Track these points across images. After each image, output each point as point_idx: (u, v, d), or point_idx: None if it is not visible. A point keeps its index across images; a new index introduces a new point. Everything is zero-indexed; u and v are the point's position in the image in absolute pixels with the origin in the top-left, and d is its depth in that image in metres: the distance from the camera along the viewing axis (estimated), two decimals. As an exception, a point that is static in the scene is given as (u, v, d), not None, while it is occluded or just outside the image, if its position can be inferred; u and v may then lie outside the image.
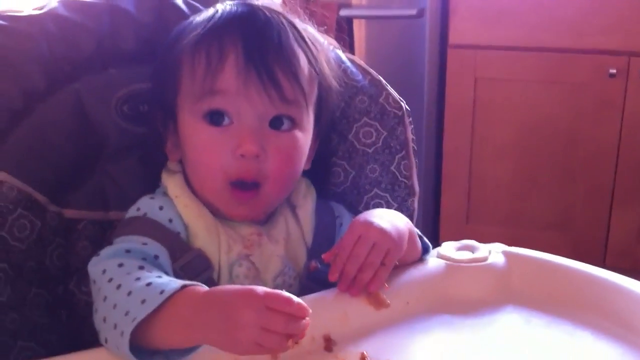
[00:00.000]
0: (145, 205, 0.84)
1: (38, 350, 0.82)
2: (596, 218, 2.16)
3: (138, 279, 0.71)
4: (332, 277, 0.78)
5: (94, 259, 0.77)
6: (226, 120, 0.80)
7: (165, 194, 0.86)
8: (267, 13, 0.83)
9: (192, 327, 0.65)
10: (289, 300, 0.63)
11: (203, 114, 0.81)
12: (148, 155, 0.91)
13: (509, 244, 0.89)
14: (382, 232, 0.78)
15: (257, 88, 0.79)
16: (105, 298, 0.71)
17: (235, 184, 0.80)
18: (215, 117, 0.81)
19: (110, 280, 0.72)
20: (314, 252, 0.87)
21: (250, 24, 0.82)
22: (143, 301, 0.67)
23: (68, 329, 0.86)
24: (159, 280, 0.70)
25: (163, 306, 0.66)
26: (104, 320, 0.70)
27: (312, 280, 0.85)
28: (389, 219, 0.81)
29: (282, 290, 0.69)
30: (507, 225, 2.25)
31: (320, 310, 0.75)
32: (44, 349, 0.82)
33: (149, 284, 0.69)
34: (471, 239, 0.89)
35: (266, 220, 0.86)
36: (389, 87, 0.97)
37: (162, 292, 0.67)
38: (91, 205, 0.88)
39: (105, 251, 0.78)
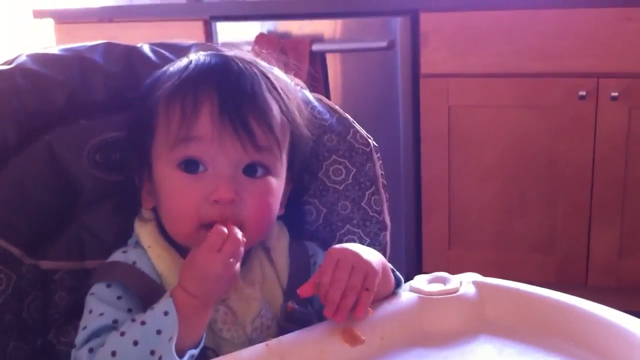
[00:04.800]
0: (119, 259, 0.85)
1: None
2: (577, 238, 2.18)
3: (133, 323, 0.76)
4: (323, 300, 0.79)
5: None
6: (201, 168, 0.82)
7: (138, 243, 0.87)
8: (241, 64, 0.85)
9: (200, 304, 0.76)
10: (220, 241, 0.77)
11: (178, 162, 0.82)
12: (122, 203, 0.92)
13: (493, 268, 0.90)
14: (357, 256, 0.80)
15: (231, 136, 0.81)
16: (114, 353, 0.74)
17: (208, 226, 0.81)
18: (189, 165, 0.82)
19: (109, 343, 0.75)
20: (289, 293, 0.88)
21: (225, 74, 0.84)
22: (159, 331, 0.73)
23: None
24: (150, 312, 0.76)
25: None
26: None
27: (289, 321, 0.86)
28: (362, 248, 0.83)
29: (261, 332, 0.82)
30: (489, 250, 2.26)
31: (298, 350, 0.76)
32: None
33: (143, 322, 0.75)
34: (454, 264, 0.91)
35: (241, 264, 0.87)
36: (356, 125, 0.99)
37: (165, 312, 0.74)
38: (67, 256, 0.89)
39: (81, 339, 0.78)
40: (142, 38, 1.01)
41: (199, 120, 0.81)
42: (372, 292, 0.80)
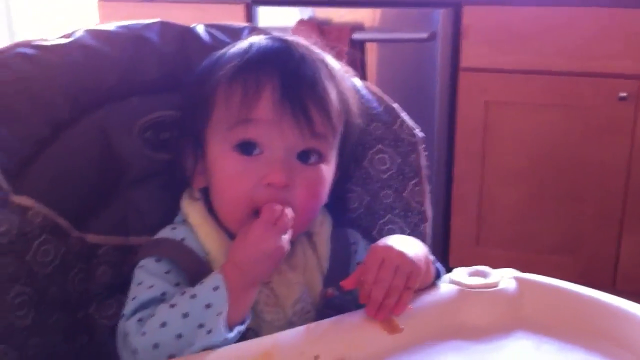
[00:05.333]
0: (167, 235, 0.87)
1: None
2: (605, 242, 2.16)
3: (183, 296, 0.77)
4: (363, 300, 0.80)
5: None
6: (256, 151, 0.83)
7: (185, 222, 0.88)
8: (302, 50, 0.86)
9: (249, 281, 0.78)
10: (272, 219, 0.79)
11: (234, 144, 0.83)
12: (169, 181, 0.93)
13: (518, 268, 0.90)
14: (403, 255, 0.80)
15: (290, 121, 0.82)
16: (164, 324, 0.75)
17: (258, 213, 0.81)
18: (246, 147, 0.83)
19: (158, 314, 0.76)
20: (329, 279, 0.89)
21: (287, 59, 0.85)
22: (208, 305, 0.75)
23: (86, 355, 0.88)
24: (200, 286, 0.77)
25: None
26: (179, 336, 0.74)
27: (328, 307, 0.87)
28: (406, 244, 0.83)
29: (300, 316, 0.84)
30: (516, 249, 2.25)
31: (336, 335, 0.77)
32: None
33: (194, 295, 0.77)
34: (481, 262, 0.91)
35: None
36: (403, 115, 0.99)
37: (215, 287, 0.76)
38: (112, 231, 0.91)
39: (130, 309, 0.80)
40: (183, 20, 1.02)
41: (259, 103, 0.82)
42: (414, 290, 0.81)
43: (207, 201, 0.89)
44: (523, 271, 0.90)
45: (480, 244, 2.31)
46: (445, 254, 2.37)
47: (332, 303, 0.87)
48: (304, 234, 0.91)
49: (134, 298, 0.80)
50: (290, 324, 0.84)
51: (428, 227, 0.98)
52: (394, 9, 2.32)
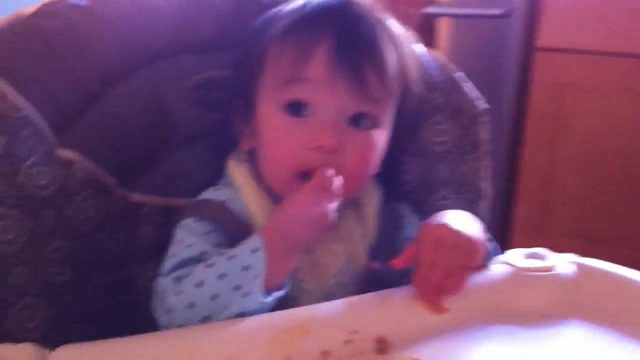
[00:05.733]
0: (210, 197, 0.85)
1: (93, 333, 0.80)
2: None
3: (221, 256, 0.75)
4: (419, 283, 0.76)
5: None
6: (306, 112, 0.79)
7: (230, 184, 0.86)
8: (361, 9, 0.82)
9: (290, 247, 0.75)
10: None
11: (284, 103, 0.80)
12: (218, 143, 0.91)
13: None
14: (458, 234, 0.76)
15: (344, 82, 0.78)
16: (200, 283, 0.73)
17: (306, 175, 0.79)
18: (295, 108, 0.79)
19: (195, 274, 0.74)
20: (375, 252, 0.86)
21: (344, 17, 0.81)
22: (245, 267, 0.73)
23: (124, 315, 0.86)
24: (239, 247, 0.75)
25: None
26: (214, 297, 0.72)
27: (370, 281, 0.83)
28: (462, 221, 0.79)
29: (341, 287, 0.81)
30: (581, 239, 2.15)
31: (376, 311, 0.74)
32: (99, 333, 0.81)
33: (232, 256, 0.74)
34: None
35: None
36: (466, 84, 0.94)
37: (254, 250, 0.73)
38: (157, 191, 0.89)
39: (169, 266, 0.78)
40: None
41: (312, 62, 0.78)
42: (473, 269, 0.77)
43: (254, 164, 0.86)
44: (586, 261, 0.84)
45: (543, 232, 2.22)
46: (507, 241, 2.29)
47: (375, 277, 0.83)
48: (352, 204, 0.87)
49: (172, 256, 0.78)
50: (330, 295, 0.81)
51: (485, 205, 0.93)
52: (468, -17, 2.25)
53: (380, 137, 0.83)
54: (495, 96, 2.18)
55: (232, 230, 0.80)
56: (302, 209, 0.75)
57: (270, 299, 0.73)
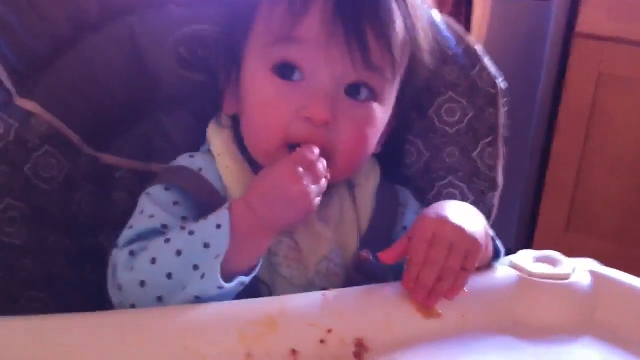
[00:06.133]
0: (184, 164, 0.76)
1: (49, 302, 0.75)
2: None
3: (181, 231, 0.66)
4: (407, 285, 0.66)
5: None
6: (297, 76, 0.70)
7: (209, 151, 0.77)
8: None
9: (262, 226, 0.65)
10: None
11: (273, 65, 0.71)
12: (201, 107, 0.82)
13: (610, 262, 0.73)
14: (459, 230, 0.66)
15: (341, 46, 0.68)
16: (154, 260, 0.64)
17: (294, 148, 0.69)
18: (285, 70, 0.71)
19: (151, 249, 0.65)
20: (367, 240, 0.76)
21: None
22: (206, 245, 0.63)
23: (90, 288, 0.78)
24: (202, 222, 0.65)
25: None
26: (169, 275, 0.63)
27: (360, 272, 0.74)
28: (464, 215, 0.69)
29: (325, 277, 0.72)
30: (610, 241, 2.03)
31: (357, 309, 0.64)
32: (57, 303, 0.75)
33: (192, 231, 0.65)
34: (568, 250, 0.75)
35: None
36: (485, 60, 0.84)
37: (218, 225, 0.64)
38: (132, 154, 0.81)
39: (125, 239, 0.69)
40: None
41: (306, 19, 0.69)
42: (472, 272, 0.67)
43: (238, 131, 0.77)
44: (613, 266, 0.74)
45: (570, 230, 2.10)
46: (530, 239, 2.17)
47: (365, 268, 0.73)
48: (346, 185, 0.78)
49: (130, 227, 0.69)
50: (311, 285, 0.72)
51: (496, 197, 0.83)
52: (509, -39, 2.12)
53: (381, 113, 0.74)
54: (531, 83, 2.08)
55: (204, 203, 0.71)
56: (279, 186, 0.65)
57: (232, 285, 0.64)
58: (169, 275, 0.63)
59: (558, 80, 2.07)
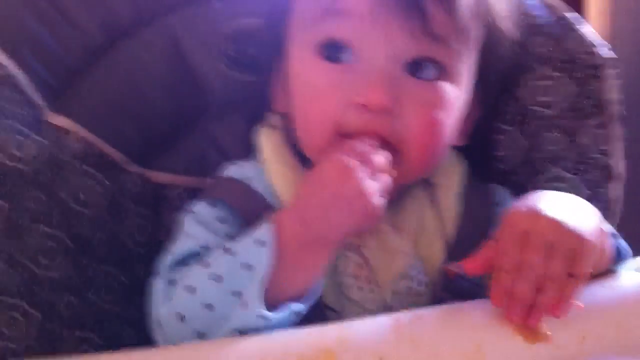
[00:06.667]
0: (232, 174, 0.67)
1: (98, 344, 0.67)
2: None
3: (222, 252, 0.56)
4: (496, 301, 0.53)
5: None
6: (347, 57, 0.60)
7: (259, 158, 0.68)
8: None
9: (315, 239, 0.55)
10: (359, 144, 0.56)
11: (317, 45, 0.61)
12: (257, 111, 0.72)
13: None
14: (558, 225, 0.52)
15: (395, 15, 0.58)
16: (192, 288, 0.55)
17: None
18: (332, 51, 0.61)
19: (189, 275, 0.56)
20: (456, 251, 0.63)
21: None
22: (249, 266, 0.54)
23: (142, 322, 0.69)
24: (245, 239, 0.56)
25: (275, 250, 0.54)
26: (209, 306, 0.54)
27: (449, 291, 0.62)
28: (566, 206, 0.55)
29: (405, 298, 0.61)
30: None
31: (438, 336, 0.52)
32: (107, 343, 0.67)
33: (233, 252, 0.55)
34: None
35: (391, 202, 0.63)
36: (584, 27, 0.71)
37: (261, 242, 0.54)
38: (185, 170, 0.74)
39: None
40: None
41: None
42: (583, 279, 0.52)
43: (290, 131, 0.67)
44: None
45: None
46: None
47: (456, 286, 0.61)
48: (423, 186, 0.66)
49: (171, 252, 0.60)
50: (389, 309, 0.60)
51: (616, 190, 0.68)
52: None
53: (454, 94, 0.61)
54: None
55: (254, 218, 0.60)
56: (328, 183, 0.54)
57: (281, 315, 0.53)
58: (209, 307, 0.54)
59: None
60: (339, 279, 0.61)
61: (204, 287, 0.54)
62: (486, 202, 0.67)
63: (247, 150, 0.72)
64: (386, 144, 0.58)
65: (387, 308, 0.61)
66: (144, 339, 0.64)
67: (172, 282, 0.57)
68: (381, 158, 0.56)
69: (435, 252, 0.64)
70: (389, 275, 0.62)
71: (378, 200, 0.55)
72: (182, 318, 0.54)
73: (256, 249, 0.54)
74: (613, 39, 1.93)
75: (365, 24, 0.58)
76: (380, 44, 0.58)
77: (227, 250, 0.55)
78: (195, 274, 0.55)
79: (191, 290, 0.54)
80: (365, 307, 0.61)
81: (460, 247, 0.63)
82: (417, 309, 0.55)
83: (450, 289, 0.62)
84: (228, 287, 0.53)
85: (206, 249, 0.59)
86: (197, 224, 0.61)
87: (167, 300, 0.56)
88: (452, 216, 0.65)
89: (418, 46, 0.59)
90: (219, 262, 0.55)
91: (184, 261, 0.59)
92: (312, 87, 0.61)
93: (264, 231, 0.55)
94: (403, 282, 0.62)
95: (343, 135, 0.59)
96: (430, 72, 0.60)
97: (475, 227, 0.65)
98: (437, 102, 0.60)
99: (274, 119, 0.69)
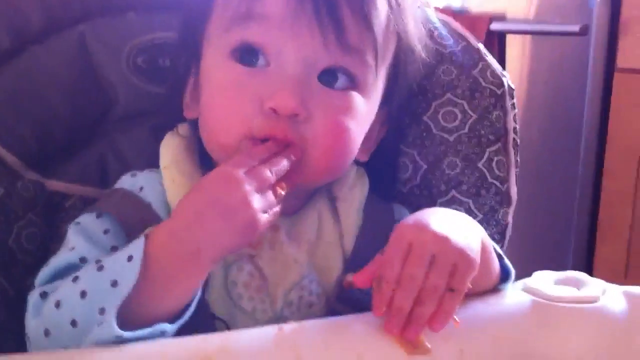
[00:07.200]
0: (124, 185, 0.65)
1: None
2: None
3: (92, 266, 0.54)
4: (377, 311, 0.53)
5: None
6: (261, 61, 0.60)
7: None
8: None
9: (192, 254, 0.52)
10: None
11: (232, 49, 0.61)
12: (163, 122, 0.71)
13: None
14: (443, 239, 0.53)
15: (310, 22, 0.58)
16: (59, 303, 0.53)
17: (257, 141, 0.59)
18: (246, 54, 0.61)
19: (59, 289, 0.54)
20: (354, 262, 0.63)
21: None
22: (114, 283, 0.51)
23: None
24: (117, 253, 0.54)
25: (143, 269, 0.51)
26: (73, 322, 0.52)
27: (343, 302, 0.62)
28: (452, 222, 0.56)
29: (297, 309, 0.60)
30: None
31: (320, 346, 0.52)
32: None
33: (102, 266, 0.53)
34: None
35: (290, 211, 0.63)
36: (489, 57, 0.74)
37: (129, 257, 0.51)
38: (83, 179, 0.71)
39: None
40: None
41: None
42: (462, 293, 0.53)
43: (198, 139, 0.66)
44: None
45: (629, 277, 1.96)
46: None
47: (350, 297, 0.61)
48: (325, 195, 0.66)
49: (48, 264, 0.58)
50: (280, 320, 0.59)
51: (510, 214, 0.70)
52: (541, -4, 2.05)
53: (363, 105, 0.62)
54: (573, 122, 2.00)
55: (140, 229, 0.58)
56: (213, 194, 0.53)
57: (140, 334, 0.50)
58: (74, 323, 0.52)
59: (603, 117, 1.97)
60: (231, 290, 0.60)
61: (70, 302, 0.52)
62: (386, 218, 0.68)
63: (151, 161, 0.70)
64: (292, 148, 0.58)
65: (278, 319, 0.60)
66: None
67: (43, 295, 0.55)
68: (275, 170, 0.55)
69: (333, 263, 0.64)
70: (282, 285, 0.61)
71: (262, 217, 0.53)
72: (47, 333, 0.52)
73: (124, 264, 0.51)
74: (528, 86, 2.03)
75: (280, 29, 0.58)
76: (293, 49, 0.59)
77: (98, 265, 0.53)
78: (64, 289, 0.53)
79: (58, 305, 0.53)
80: (256, 317, 0.60)
81: (358, 260, 0.62)
82: (301, 322, 0.54)
83: (345, 300, 0.61)
84: (93, 304, 0.51)
85: (83, 261, 0.57)
86: (79, 236, 0.60)
87: (36, 314, 0.54)
88: (352, 230, 0.66)
89: (331, 56, 0.59)
90: (87, 277, 0.53)
91: (60, 274, 0.57)
92: (224, 89, 0.61)
93: (135, 245, 0.53)
94: (295, 292, 0.61)
95: (251, 139, 0.59)
96: (342, 82, 0.61)
97: (374, 241, 0.63)
98: (346, 110, 0.60)
99: (182, 129, 0.68)
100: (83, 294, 0.51)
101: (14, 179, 0.67)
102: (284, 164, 0.56)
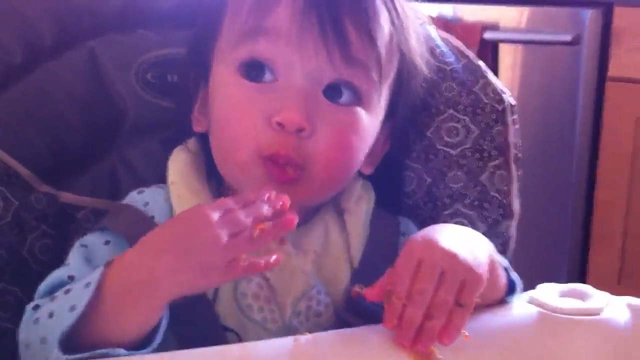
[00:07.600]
0: (131, 201, 0.67)
1: None
2: None
3: (68, 287, 0.56)
4: (388, 324, 0.54)
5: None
6: (268, 76, 0.62)
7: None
8: None
9: (150, 284, 0.51)
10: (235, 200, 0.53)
11: (239, 64, 0.62)
12: (172, 135, 0.73)
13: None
14: (452, 255, 0.54)
15: (316, 38, 0.60)
16: (37, 320, 0.56)
17: (269, 159, 0.60)
18: (253, 69, 0.62)
19: (42, 307, 0.57)
20: (362, 273, 0.65)
21: None
22: (72, 307, 0.52)
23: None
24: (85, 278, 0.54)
25: (99, 295, 0.52)
26: (43, 340, 0.54)
27: (352, 312, 0.63)
28: (461, 239, 0.57)
29: (306, 319, 0.62)
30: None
31: (335, 358, 0.52)
32: None
33: (69, 290, 0.55)
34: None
35: (299, 222, 0.65)
36: (489, 74, 0.75)
37: (87, 283, 0.53)
38: (95, 192, 0.72)
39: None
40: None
41: (275, 9, 0.61)
42: (470, 308, 0.54)
43: (207, 154, 0.67)
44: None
45: (623, 285, 1.96)
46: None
47: (359, 307, 0.62)
48: (333, 210, 0.68)
49: (46, 279, 0.60)
50: (290, 329, 0.61)
51: (513, 227, 0.72)
52: (534, 7, 2.07)
53: (367, 120, 0.64)
54: (565, 131, 2.00)
55: None
56: (183, 229, 0.53)
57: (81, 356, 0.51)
58: (44, 340, 0.53)
59: (595, 126, 1.97)
60: (241, 301, 0.61)
61: (43, 320, 0.54)
62: (392, 231, 0.69)
63: (162, 174, 0.72)
64: (297, 163, 0.60)
65: (288, 328, 0.61)
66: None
67: (35, 308, 0.57)
68: (245, 219, 0.52)
69: (340, 274, 0.65)
70: (289, 295, 0.62)
71: (230, 262, 0.51)
72: (28, 347, 0.55)
73: (83, 290, 0.53)
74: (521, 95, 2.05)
75: (286, 45, 0.60)
76: (300, 65, 0.60)
77: (67, 288, 0.55)
78: (43, 306, 0.56)
79: (36, 321, 0.55)
80: (266, 327, 0.61)
81: (365, 271, 0.65)
82: (316, 334, 0.55)
83: (353, 309, 0.62)
84: (57, 325, 0.52)
85: (71, 278, 0.58)
86: (77, 252, 0.62)
87: (25, 325, 0.56)
88: (359, 241, 0.67)
89: (336, 70, 0.61)
90: (59, 298, 0.55)
91: (53, 289, 0.58)
92: (232, 105, 0.62)
93: (95, 272, 0.54)
94: (303, 302, 0.63)
95: (264, 158, 0.60)
96: (347, 97, 0.62)
97: (381, 253, 0.66)
98: (350, 125, 0.62)
99: (191, 144, 0.69)
100: (51, 315, 0.54)
101: (27, 192, 0.68)
102: (264, 209, 0.53)
